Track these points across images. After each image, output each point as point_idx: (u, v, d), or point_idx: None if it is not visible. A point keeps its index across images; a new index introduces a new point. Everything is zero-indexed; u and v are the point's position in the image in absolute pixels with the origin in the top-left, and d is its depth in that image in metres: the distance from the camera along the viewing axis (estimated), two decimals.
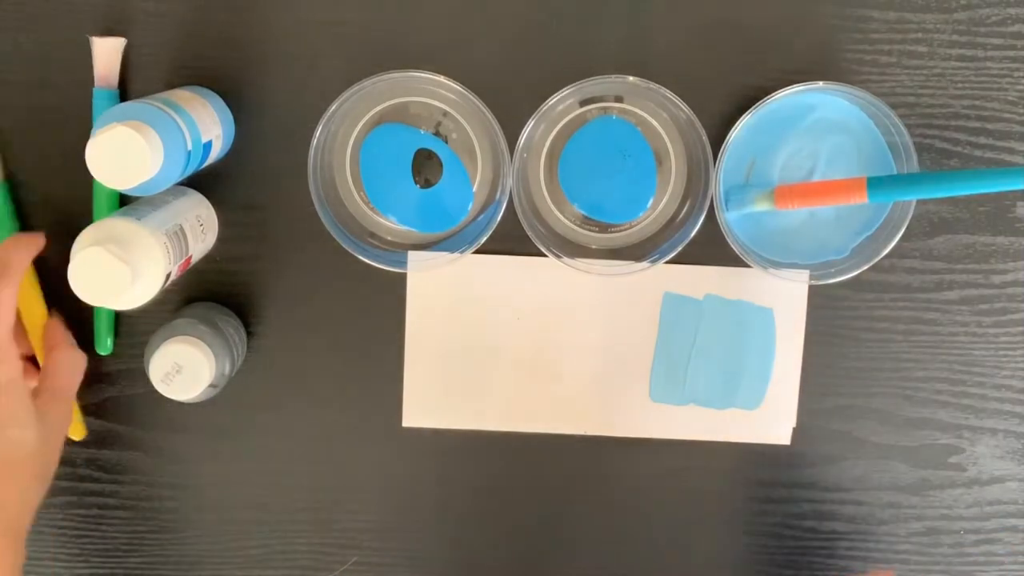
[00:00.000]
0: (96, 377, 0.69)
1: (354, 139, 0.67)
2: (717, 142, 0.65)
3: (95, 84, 0.64)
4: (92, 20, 0.65)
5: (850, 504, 0.71)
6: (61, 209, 0.67)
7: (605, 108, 0.67)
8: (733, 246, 0.65)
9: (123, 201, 0.66)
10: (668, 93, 0.64)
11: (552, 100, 0.64)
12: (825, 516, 0.71)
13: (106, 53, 0.64)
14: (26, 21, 0.65)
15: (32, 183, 0.67)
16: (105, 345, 0.68)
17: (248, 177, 0.67)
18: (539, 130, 0.66)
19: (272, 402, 0.70)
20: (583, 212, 0.68)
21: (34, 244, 0.62)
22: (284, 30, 0.66)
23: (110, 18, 0.65)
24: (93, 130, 0.55)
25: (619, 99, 0.67)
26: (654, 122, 0.67)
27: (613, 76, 0.65)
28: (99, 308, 0.67)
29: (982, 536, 0.71)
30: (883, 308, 0.69)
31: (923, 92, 0.67)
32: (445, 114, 0.67)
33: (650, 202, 0.68)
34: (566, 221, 0.68)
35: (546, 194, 0.68)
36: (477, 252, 0.66)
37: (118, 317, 0.68)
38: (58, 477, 0.70)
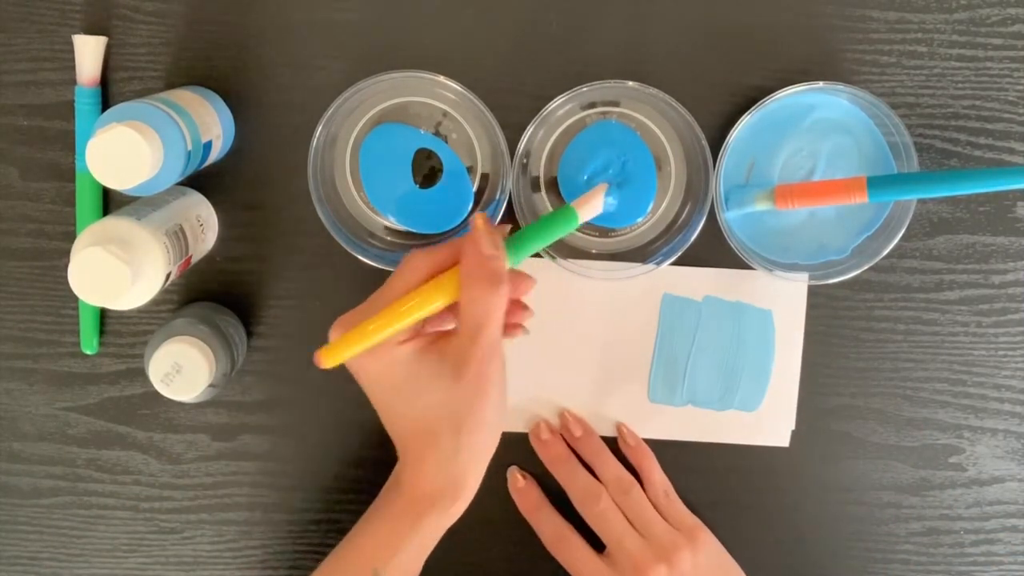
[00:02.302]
0: (96, 377, 0.69)
1: (354, 139, 0.67)
2: (717, 142, 0.65)
3: (77, 82, 0.64)
4: (92, 20, 0.65)
5: (850, 504, 0.71)
6: (50, 209, 0.67)
7: (605, 112, 0.67)
8: (733, 246, 0.65)
9: (107, 203, 0.67)
10: (667, 98, 0.64)
11: (552, 105, 0.64)
12: (825, 517, 0.71)
13: (89, 51, 0.64)
14: (20, 20, 0.65)
15: (24, 182, 0.67)
16: (91, 344, 0.68)
17: (248, 177, 0.67)
18: (539, 134, 0.66)
19: (272, 402, 0.70)
20: None
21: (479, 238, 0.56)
22: (284, 30, 0.66)
23: (110, 18, 0.65)
24: (92, 129, 0.56)
25: (618, 103, 0.67)
26: (653, 126, 0.67)
27: (612, 81, 0.65)
28: (84, 307, 0.68)
29: (982, 536, 0.71)
30: (883, 308, 0.69)
31: (923, 92, 0.67)
32: (445, 114, 0.67)
33: (650, 207, 0.68)
34: None
35: (546, 199, 0.68)
36: None
37: (106, 316, 0.69)
38: (58, 477, 0.70)
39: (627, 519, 0.66)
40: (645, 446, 0.69)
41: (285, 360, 0.69)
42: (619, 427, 0.70)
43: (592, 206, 0.58)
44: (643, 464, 0.69)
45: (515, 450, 0.70)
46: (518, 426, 0.70)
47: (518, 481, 0.69)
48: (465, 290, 0.55)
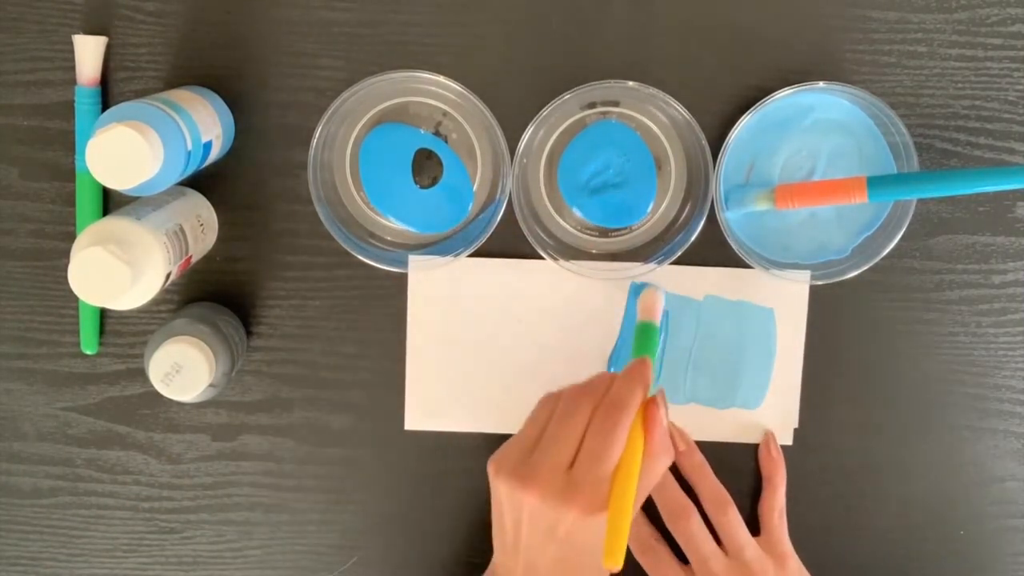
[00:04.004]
0: (96, 377, 0.69)
1: (354, 139, 0.67)
2: (717, 142, 0.65)
3: (77, 82, 0.64)
4: (92, 20, 0.65)
5: (852, 503, 0.71)
6: (50, 209, 0.67)
7: (605, 112, 0.67)
8: (734, 246, 0.65)
9: (107, 203, 0.67)
10: (667, 98, 0.64)
11: (552, 105, 0.64)
12: (826, 516, 0.71)
13: (89, 51, 0.64)
14: (20, 20, 0.65)
15: (24, 182, 0.67)
16: (91, 344, 0.68)
17: (248, 177, 0.67)
18: (539, 135, 0.66)
19: (272, 402, 0.70)
20: (583, 217, 0.68)
21: (647, 382, 0.58)
22: (284, 30, 0.66)
23: (110, 18, 0.65)
24: (92, 129, 0.56)
25: (618, 103, 0.67)
26: (653, 126, 0.67)
27: (612, 81, 0.65)
28: (84, 307, 0.68)
29: (982, 536, 0.71)
30: (883, 308, 0.69)
31: (923, 92, 0.67)
32: (445, 114, 0.67)
33: (650, 207, 0.68)
34: (566, 226, 0.68)
35: (546, 199, 0.68)
36: (478, 255, 0.66)
37: (106, 316, 0.69)
38: (58, 477, 0.70)
39: (717, 539, 0.66)
40: (783, 461, 0.69)
41: (285, 360, 0.69)
42: (768, 435, 0.69)
43: (658, 306, 0.65)
44: (774, 478, 0.69)
45: None
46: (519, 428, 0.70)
47: None
48: (652, 462, 0.56)
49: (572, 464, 0.55)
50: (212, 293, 0.68)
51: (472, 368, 0.69)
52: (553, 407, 0.58)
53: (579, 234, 0.68)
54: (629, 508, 0.53)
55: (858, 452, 0.70)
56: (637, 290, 0.68)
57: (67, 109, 0.65)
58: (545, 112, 0.64)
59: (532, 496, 0.54)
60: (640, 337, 0.64)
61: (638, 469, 0.55)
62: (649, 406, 0.57)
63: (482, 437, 0.70)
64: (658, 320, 0.64)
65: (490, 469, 0.57)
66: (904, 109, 0.66)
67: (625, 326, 0.69)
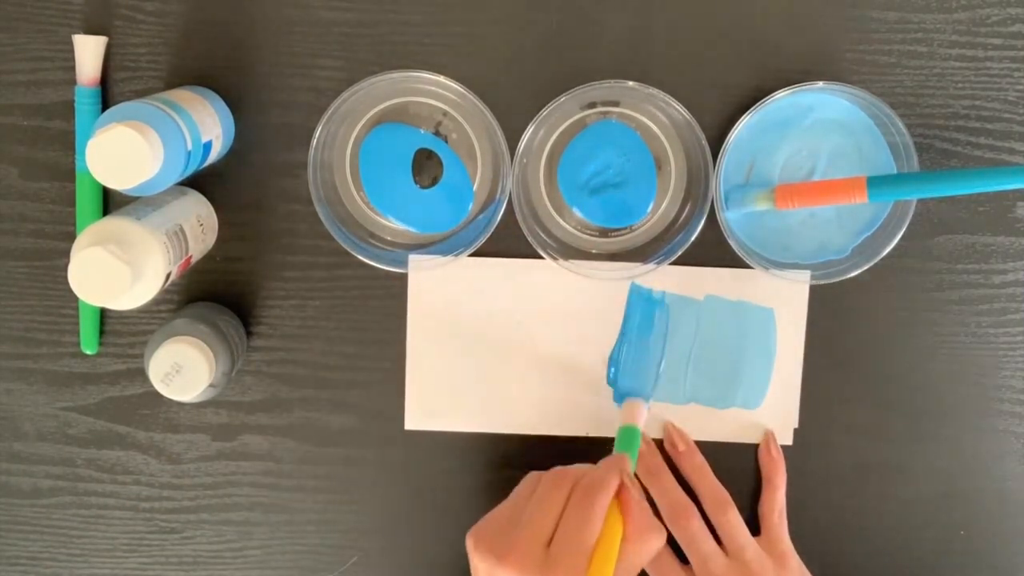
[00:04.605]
0: (96, 377, 0.69)
1: (354, 139, 0.67)
2: (717, 142, 0.65)
3: (77, 82, 0.64)
4: (92, 20, 0.65)
5: (853, 503, 0.71)
6: (50, 209, 0.67)
7: (605, 112, 0.67)
8: (734, 246, 0.65)
9: (107, 203, 0.67)
10: (667, 98, 0.64)
11: (552, 105, 0.64)
12: (828, 515, 0.71)
13: (89, 51, 0.64)
14: (20, 20, 0.65)
15: (24, 182, 0.67)
16: (91, 344, 0.68)
17: (248, 177, 0.67)
18: (539, 135, 0.66)
19: (272, 402, 0.70)
20: (583, 217, 0.68)
21: (625, 471, 0.61)
22: (284, 30, 0.66)
23: (110, 18, 0.65)
24: (92, 129, 0.56)
25: (618, 103, 0.67)
26: (653, 126, 0.67)
27: (612, 81, 0.65)
28: (84, 306, 0.68)
29: (982, 536, 0.71)
30: (883, 308, 0.69)
31: (923, 92, 0.67)
32: (445, 114, 0.67)
33: (650, 207, 0.68)
34: (566, 226, 0.68)
35: (546, 199, 0.68)
36: (478, 255, 0.66)
37: (106, 316, 0.69)
38: (58, 477, 0.70)
39: (717, 538, 0.67)
40: (782, 461, 0.69)
41: (285, 360, 0.69)
42: (768, 435, 0.70)
43: (640, 416, 0.67)
44: (775, 478, 0.69)
45: (515, 452, 0.70)
46: (520, 428, 0.70)
47: None
48: (637, 543, 0.58)
49: (550, 542, 0.56)
50: (212, 293, 0.68)
51: (472, 368, 0.69)
52: (535, 485, 0.59)
53: (579, 234, 0.68)
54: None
55: (858, 452, 0.70)
56: (622, 397, 0.69)
57: (67, 109, 0.65)
58: (545, 112, 0.64)
59: (509, 572, 0.55)
60: (622, 438, 0.65)
61: (616, 549, 0.56)
62: (622, 491, 0.59)
63: (482, 437, 0.70)
64: (640, 425, 0.66)
65: (469, 542, 0.58)
66: (904, 109, 0.66)
67: (625, 328, 0.69)
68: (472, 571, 0.58)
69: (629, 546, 0.57)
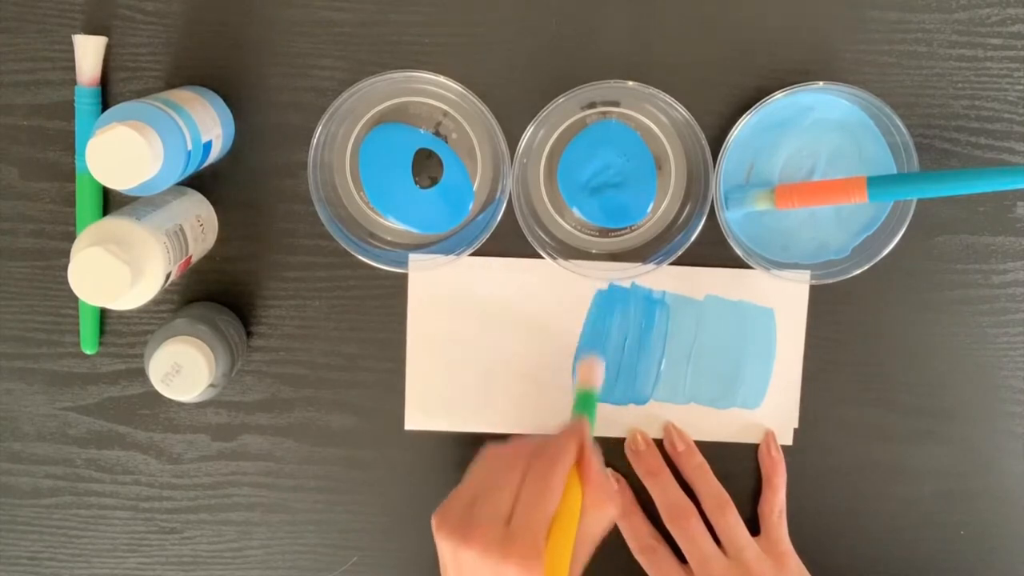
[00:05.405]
0: (96, 377, 0.69)
1: (354, 139, 0.67)
2: (717, 142, 0.65)
3: (77, 82, 0.64)
4: (92, 20, 0.65)
5: (853, 503, 0.71)
6: (50, 209, 0.67)
7: (605, 112, 0.67)
8: (734, 246, 0.65)
9: (107, 203, 0.67)
10: (667, 98, 0.64)
11: (552, 105, 0.64)
12: (828, 515, 0.71)
13: (89, 51, 0.64)
14: (20, 20, 0.65)
15: (24, 182, 0.67)
16: (91, 344, 0.68)
17: (248, 177, 0.67)
18: (539, 135, 0.66)
19: (272, 402, 0.70)
20: (583, 217, 0.68)
21: (583, 438, 0.59)
22: (284, 30, 0.66)
23: (110, 18, 0.65)
24: (92, 129, 0.56)
25: (618, 103, 0.67)
26: (653, 126, 0.67)
27: (612, 81, 0.65)
28: (84, 307, 0.68)
29: (982, 536, 0.71)
30: (883, 308, 0.69)
31: (923, 92, 0.67)
32: (445, 114, 0.67)
33: (650, 207, 0.68)
34: (566, 226, 0.68)
35: (546, 199, 0.68)
36: (479, 255, 0.66)
37: (106, 316, 0.69)
38: (58, 477, 0.70)
39: (717, 539, 0.67)
40: (783, 461, 0.69)
41: (285, 360, 0.69)
42: (768, 435, 0.70)
43: (596, 375, 0.64)
44: (774, 478, 0.69)
45: None
46: (520, 427, 0.70)
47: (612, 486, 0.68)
48: (595, 511, 0.57)
49: (511, 517, 0.55)
50: (212, 293, 0.68)
51: (472, 368, 0.69)
52: (493, 460, 0.59)
53: (579, 234, 0.68)
54: (567, 557, 0.54)
55: (858, 452, 0.70)
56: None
57: (67, 109, 0.65)
58: (545, 112, 0.64)
59: (472, 550, 0.54)
60: (579, 402, 0.64)
61: (576, 520, 0.56)
62: (581, 459, 0.58)
63: (482, 437, 0.70)
64: (598, 387, 0.65)
65: (433, 524, 0.57)
66: (904, 109, 0.66)
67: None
68: (439, 554, 0.58)
69: (587, 515, 0.56)
